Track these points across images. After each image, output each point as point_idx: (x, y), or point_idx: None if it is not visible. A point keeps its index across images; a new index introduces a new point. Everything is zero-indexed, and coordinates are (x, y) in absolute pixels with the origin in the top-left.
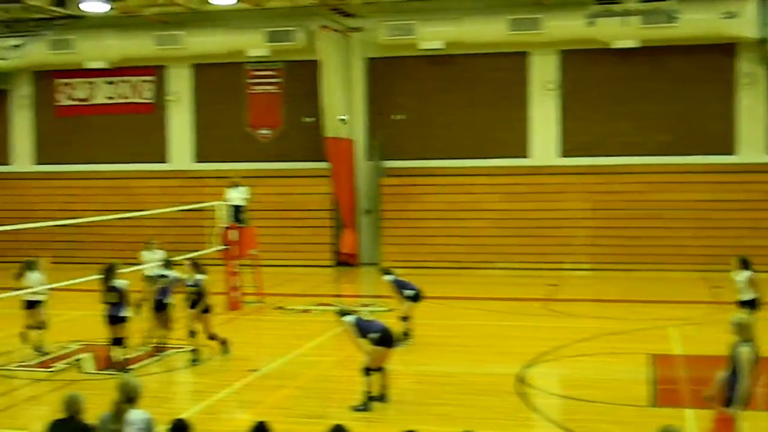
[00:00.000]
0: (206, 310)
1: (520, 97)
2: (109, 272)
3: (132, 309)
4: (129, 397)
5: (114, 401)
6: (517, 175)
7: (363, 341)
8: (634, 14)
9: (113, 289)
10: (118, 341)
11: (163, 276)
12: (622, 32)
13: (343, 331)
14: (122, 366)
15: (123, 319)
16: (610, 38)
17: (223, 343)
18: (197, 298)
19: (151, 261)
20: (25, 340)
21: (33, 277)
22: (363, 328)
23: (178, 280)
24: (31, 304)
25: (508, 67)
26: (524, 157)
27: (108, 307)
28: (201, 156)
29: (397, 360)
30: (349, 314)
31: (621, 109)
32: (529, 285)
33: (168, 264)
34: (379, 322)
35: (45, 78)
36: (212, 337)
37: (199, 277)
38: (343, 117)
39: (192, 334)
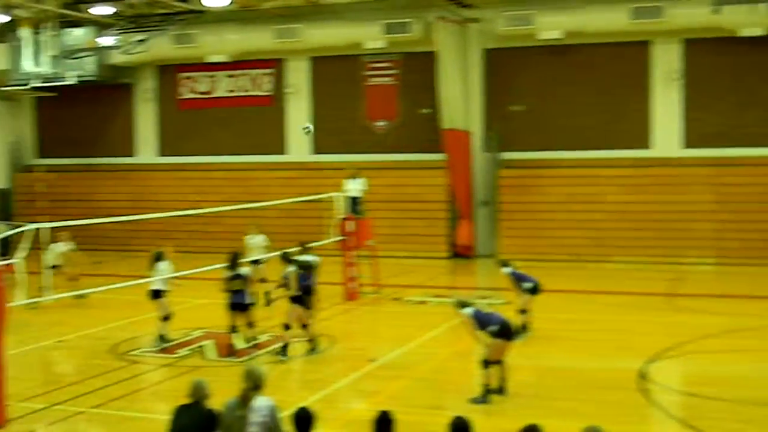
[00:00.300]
0: (298, 301)
1: (641, 88)
2: (233, 260)
3: (259, 296)
4: (255, 384)
5: (241, 388)
6: (638, 167)
7: (482, 333)
8: (762, 1)
9: (238, 277)
10: (234, 329)
11: (305, 263)
12: (749, 20)
13: (461, 322)
14: (246, 353)
15: (247, 307)
16: (736, 26)
17: (311, 340)
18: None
19: (255, 245)
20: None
21: (161, 266)
22: (482, 320)
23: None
24: (156, 294)
25: (629, 57)
26: (646, 148)
27: (232, 295)
28: (319, 148)
29: (515, 353)
30: (467, 306)
31: (748, 99)
32: (650, 279)
33: (306, 249)
34: (498, 315)
35: (168, 72)
36: (305, 326)
37: (289, 269)
38: (307, 126)
39: (287, 327)
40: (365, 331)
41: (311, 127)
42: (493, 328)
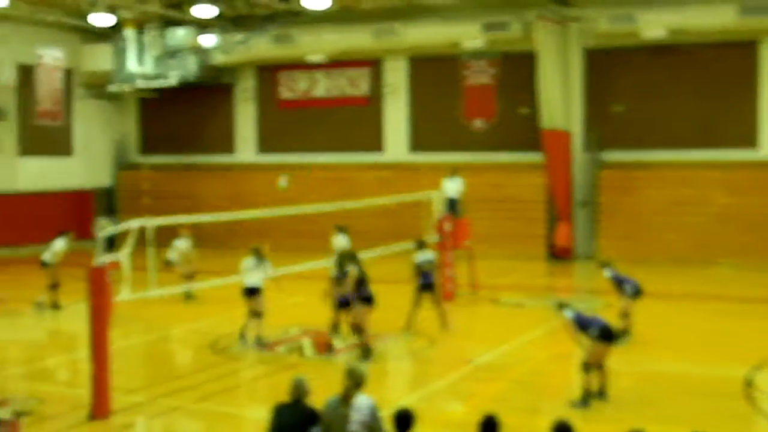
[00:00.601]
0: (365, 302)
1: (749, 88)
2: (344, 260)
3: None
4: (357, 383)
5: (342, 385)
6: (744, 169)
7: (582, 336)
8: None
9: (344, 276)
10: (335, 327)
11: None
12: None
13: (562, 325)
14: (343, 350)
15: (350, 305)
16: None
17: (365, 346)
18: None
19: (339, 244)
20: (248, 328)
21: (256, 264)
22: (582, 323)
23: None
24: (252, 291)
25: (735, 56)
26: (752, 149)
27: (338, 293)
28: (416, 147)
29: (616, 357)
30: (568, 308)
31: None
32: (756, 285)
33: (422, 246)
34: (599, 318)
35: (267, 72)
36: (356, 330)
37: (349, 268)
38: (283, 181)
39: (335, 328)
40: (462, 332)
41: (286, 182)
42: (594, 330)
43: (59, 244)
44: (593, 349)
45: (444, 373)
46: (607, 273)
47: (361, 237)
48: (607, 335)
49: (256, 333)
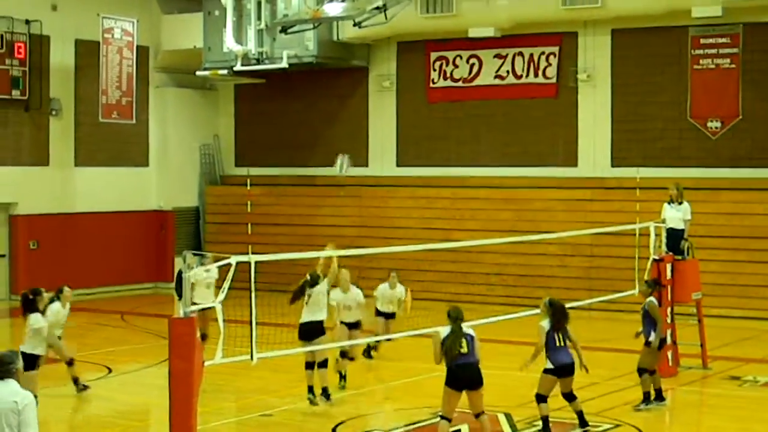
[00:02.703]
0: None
1: None
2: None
3: None
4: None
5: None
6: None
7: None
8: None
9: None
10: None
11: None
12: None
13: None
14: None
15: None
16: None
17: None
18: None
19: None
20: None
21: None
22: None
23: None
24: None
25: None
26: None
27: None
28: (622, 158)
29: None
30: None
31: None
32: None
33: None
34: None
35: (414, 51)
36: None
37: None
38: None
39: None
40: (686, 422)
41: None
42: None
43: (56, 309)
44: None
45: None
46: None
47: (543, 283)
48: None
49: None
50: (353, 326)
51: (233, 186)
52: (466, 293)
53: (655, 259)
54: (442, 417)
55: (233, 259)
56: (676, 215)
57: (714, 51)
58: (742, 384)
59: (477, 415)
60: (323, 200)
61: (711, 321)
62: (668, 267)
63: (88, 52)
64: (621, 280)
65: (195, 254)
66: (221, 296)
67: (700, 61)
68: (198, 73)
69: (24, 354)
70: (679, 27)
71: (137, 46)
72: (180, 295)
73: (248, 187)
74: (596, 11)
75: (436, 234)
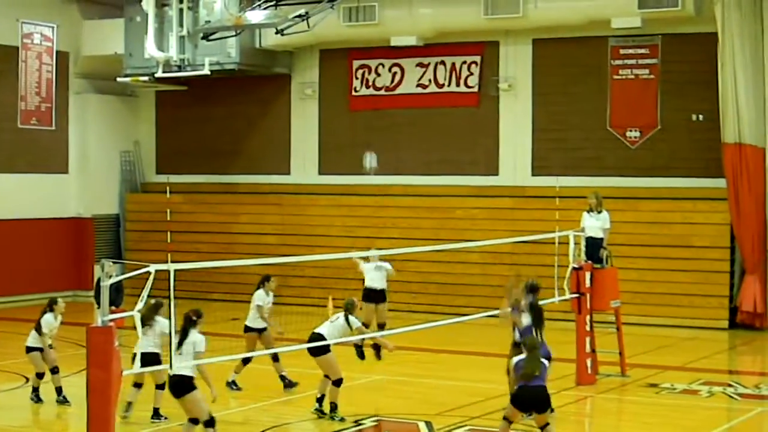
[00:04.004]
0: None
1: None
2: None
3: None
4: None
5: None
6: None
7: None
8: None
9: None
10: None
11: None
12: None
13: None
14: None
15: None
16: None
17: None
18: None
19: None
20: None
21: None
22: None
23: None
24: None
25: None
26: None
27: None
28: (542, 167)
29: None
30: None
31: None
32: None
33: (533, 290)
34: None
35: (337, 59)
36: None
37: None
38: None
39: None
40: (606, 431)
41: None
42: None
43: (48, 321)
44: None
45: None
46: None
47: (464, 291)
48: None
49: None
50: None
51: (154, 193)
52: (389, 301)
53: (574, 268)
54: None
55: (152, 268)
56: (595, 224)
57: (633, 61)
58: (660, 391)
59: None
60: (244, 208)
61: (629, 329)
62: (587, 275)
63: (6, 58)
64: (541, 288)
65: (115, 263)
66: (139, 305)
67: (620, 72)
68: (119, 79)
69: None
70: (599, 37)
71: (57, 52)
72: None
73: (168, 195)
74: (518, 21)
75: (358, 242)
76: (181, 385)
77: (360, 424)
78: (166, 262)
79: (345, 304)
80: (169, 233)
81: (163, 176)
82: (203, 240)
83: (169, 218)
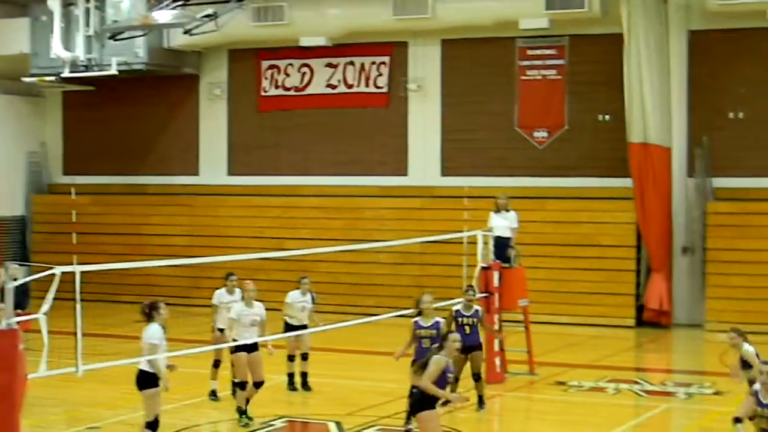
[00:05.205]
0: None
1: None
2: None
3: None
4: None
5: None
6: None
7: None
8: None
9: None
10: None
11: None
12: None
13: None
14: None
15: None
16: None
17: None
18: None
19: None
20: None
21: None
22: None
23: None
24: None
25: None
26: None
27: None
28: (451, 167)
29: None
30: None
31: None
32: None
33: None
34: None
35: (246, 59)
36: None
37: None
38: None
39: None
40: (514, 429)
41: None
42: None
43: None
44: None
45: None
46: (748, 349)
47: (374, 291)
48: None
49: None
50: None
51: (60, 195)
52: None
53: (482, 267)
54: None
55: (57, 270)
56: (502, 224)
57: (541, 62)
58: (568, 389)
59: None
60: (154, 209)
61: (537, 327)
62: (495, 275)
63: None
64: (450, 288)
65: (21, 265)
66: (45, 307)
67: (527, 72)
68: (24, 79)
69: None
70: (508, 38)
71: None
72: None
73: (73, 196)
74: (426, 22)
75: (268, 243)
76: (139, 380)
77: (270, 425)
78: (71, 264)
79: None
80: (75, 235)
81: (70, 177)
82: (112, 242)
83: (75, 219)
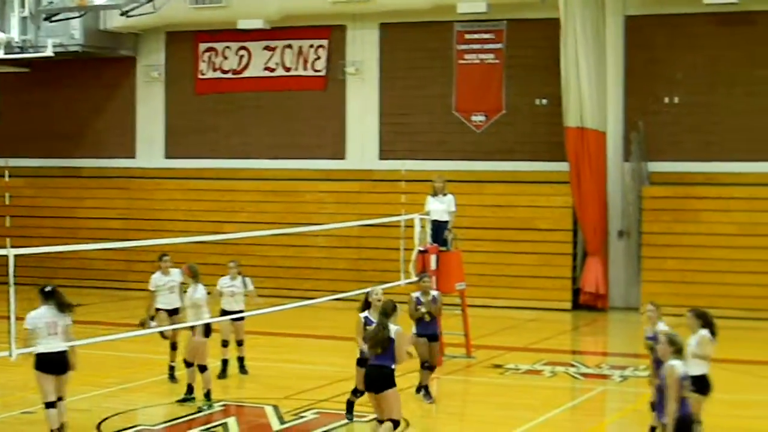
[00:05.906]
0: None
1: None
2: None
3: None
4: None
5: None
6: None
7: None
8: None
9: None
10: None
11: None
12: None
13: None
14: None
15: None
16: None
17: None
18: None
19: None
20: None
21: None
22: None
23: None
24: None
25: None
26: None
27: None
28: (389, 151)
29: None
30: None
31: None
32: None
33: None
34: None
35: (183, 41)
36: None
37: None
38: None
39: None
40: (451, 412)
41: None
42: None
43: None
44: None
45: None
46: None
47: (311, 275)
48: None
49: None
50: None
51: None
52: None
53: (420, 251)
54: None
55: None
56: (439, 207)
57: (478, 46)
58: (505, 372)
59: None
60: (89, 192)
61: (474, 311)
62: (433, 258)
63: None
64: (388, 271)
65: None
66: None
67: (465, 56)
68: None
69: None
70: (446, 22)
71: None
72: None
73: (7, 179)
74: (364, 5)
75: (205, 226)
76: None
77: (204, 410)
78: (5, 247)
79: None
80: (8, 218)
81: (3, 160)
82: (47, 225)
83: (8, 202)
